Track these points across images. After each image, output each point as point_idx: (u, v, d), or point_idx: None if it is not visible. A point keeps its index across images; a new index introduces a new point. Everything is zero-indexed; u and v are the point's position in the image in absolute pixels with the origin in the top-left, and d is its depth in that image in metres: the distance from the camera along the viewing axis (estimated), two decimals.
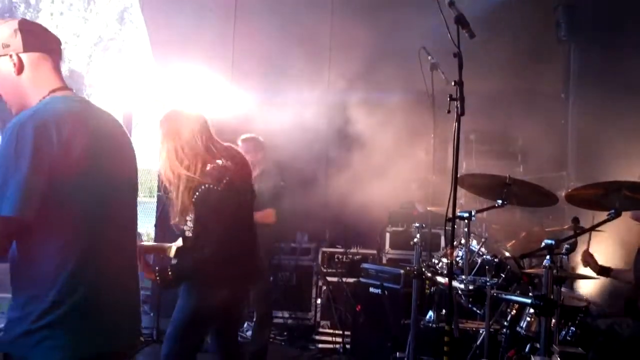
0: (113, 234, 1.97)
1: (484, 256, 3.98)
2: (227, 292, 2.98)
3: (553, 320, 3.19)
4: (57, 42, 2.05)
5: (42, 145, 1.75)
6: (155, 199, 8.18)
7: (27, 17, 13.13)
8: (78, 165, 1.82)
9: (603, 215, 3.11)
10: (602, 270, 4.02)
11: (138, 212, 2.18)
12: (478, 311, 3.84)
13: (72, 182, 1.82)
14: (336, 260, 6.17)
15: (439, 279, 3.90)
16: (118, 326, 1.97)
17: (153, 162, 7.84)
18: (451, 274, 2.77)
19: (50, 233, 1.81)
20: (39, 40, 1.99)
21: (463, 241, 3.90)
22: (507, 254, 4.26)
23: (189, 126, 2.99)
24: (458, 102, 2.52)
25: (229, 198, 2.95)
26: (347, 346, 5.41)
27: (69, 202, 1.82)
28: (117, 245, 1.99)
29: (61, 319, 1.80)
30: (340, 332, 5.61)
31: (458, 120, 2.53)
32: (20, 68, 1.95)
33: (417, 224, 4.21)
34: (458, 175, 2.60)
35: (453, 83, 2.55)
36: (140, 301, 2.13)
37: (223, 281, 2.97)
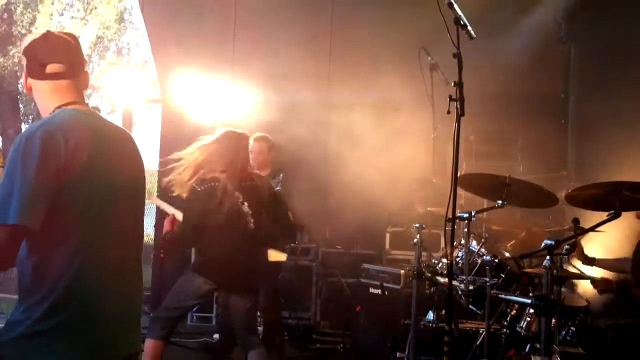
0: (116, 243, 1.98)
1: (484, 256, 3.97)
2: (202, 280, 3.81)
3: (553, 320, 3.19)
4: (81, 59, 2.08)
5: (50, 155, 1.79)
6: None
7: (25, 17, 13.14)
8: (84, 174, 1.85)
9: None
10: (586, 260, 4.03)
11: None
12: (478, 311, 3.84)
13: (78, 190, 1.85)
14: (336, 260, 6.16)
15: (439, 279, 3.90)
16: (116, 336, 1.97)
17: (152, 164, 7.83)
18: (451, 274, 2.77)
19: (54, 241, 1.83)
20: (60, 52, 2.01)
21: (463, 241, 3.90)
22: (507, 254, 4.25)
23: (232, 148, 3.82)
24: (458, 103, 2.52)
25: (204, 202, 3.63)
26: (347, 346, 5.41)
27: (74, 210, 1.85)
28: (120, 253, 1.99)
29: (60, 327, 1.81)
30: (340, 332, 5.61)
31: (458, 121, 2.53)
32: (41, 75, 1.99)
33: (417, 224, 4.20)
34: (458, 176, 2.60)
35: (453, 84, 2.55)
36: (142, 307, 2.14)
37: (201, 268, 3.87)
